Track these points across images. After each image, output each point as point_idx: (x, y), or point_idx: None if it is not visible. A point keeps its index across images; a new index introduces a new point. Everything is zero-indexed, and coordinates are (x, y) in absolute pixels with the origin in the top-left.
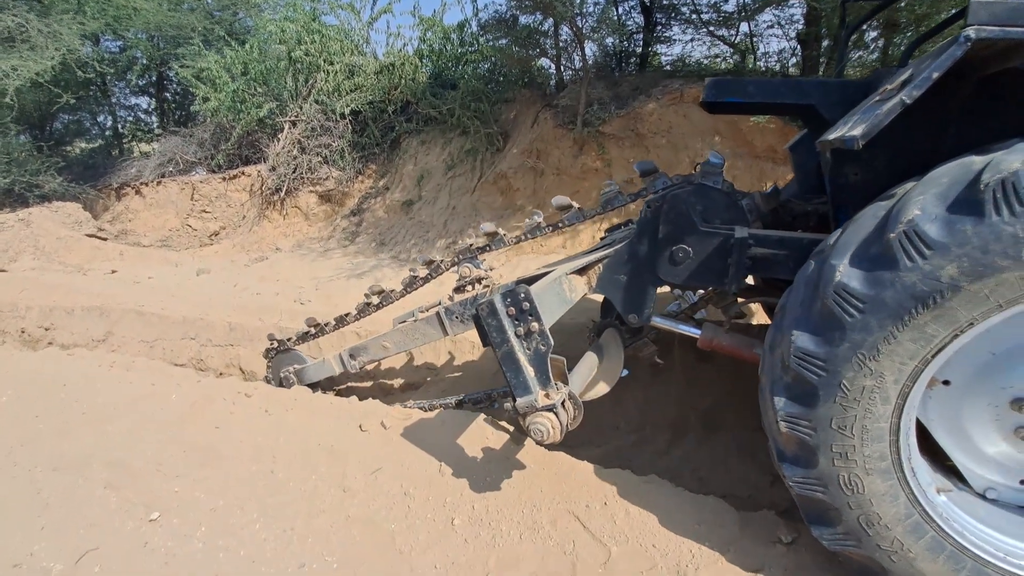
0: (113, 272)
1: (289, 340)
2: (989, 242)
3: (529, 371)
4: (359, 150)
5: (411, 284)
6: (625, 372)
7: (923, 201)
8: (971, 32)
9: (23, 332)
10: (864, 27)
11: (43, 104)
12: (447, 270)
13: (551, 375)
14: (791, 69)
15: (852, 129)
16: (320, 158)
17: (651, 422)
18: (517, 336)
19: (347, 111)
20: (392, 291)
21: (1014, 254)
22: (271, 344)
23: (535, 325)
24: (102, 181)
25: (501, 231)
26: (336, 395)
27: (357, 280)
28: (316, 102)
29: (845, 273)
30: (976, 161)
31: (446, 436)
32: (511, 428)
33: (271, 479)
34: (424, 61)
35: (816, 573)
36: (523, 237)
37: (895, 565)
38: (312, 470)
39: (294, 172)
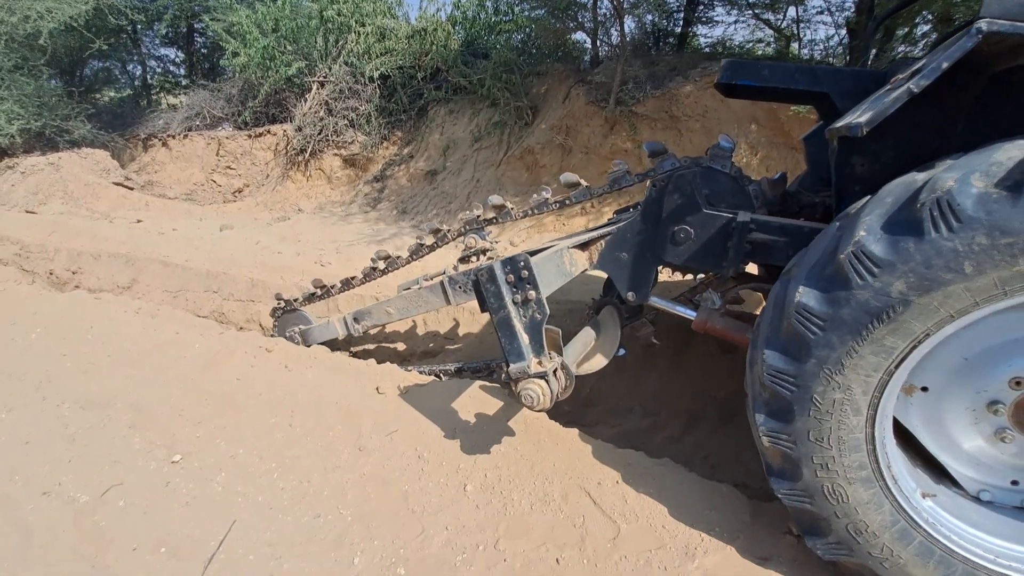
0: (139, 222)
1: (296, 300)
2: (931, 258)
3: (524, 338)
4: (386, 116)
5: (417, 251)
6: (622, 352)
7: (869, 221)
8: (983, 24)
9: (51, 274)
10: (916, 21)
11: (74, 50)
12: (453, 240)
13: (545, 344)
14: (832, 60)
15: (859, 117)
16: (346, 121)
17: (667, 408)
18: (514, 303)
19: (376, 75)
20: (398, 257)
21: (956, 267)
22: (278, 303)
23: (532, 293)
24: (130, 131)
25: (509, 204)
26: (353, 356)
27: (377, 246)
28: (345, 64)
29: (804, 293)
30: (918, 179)
31: (462, 404)
32: None
33: (289, 432)
34: (457, 28)
35: (822, 567)
36: (530, 212)
37: (888, 571)
38: (329, 427)
39: (320, 134)
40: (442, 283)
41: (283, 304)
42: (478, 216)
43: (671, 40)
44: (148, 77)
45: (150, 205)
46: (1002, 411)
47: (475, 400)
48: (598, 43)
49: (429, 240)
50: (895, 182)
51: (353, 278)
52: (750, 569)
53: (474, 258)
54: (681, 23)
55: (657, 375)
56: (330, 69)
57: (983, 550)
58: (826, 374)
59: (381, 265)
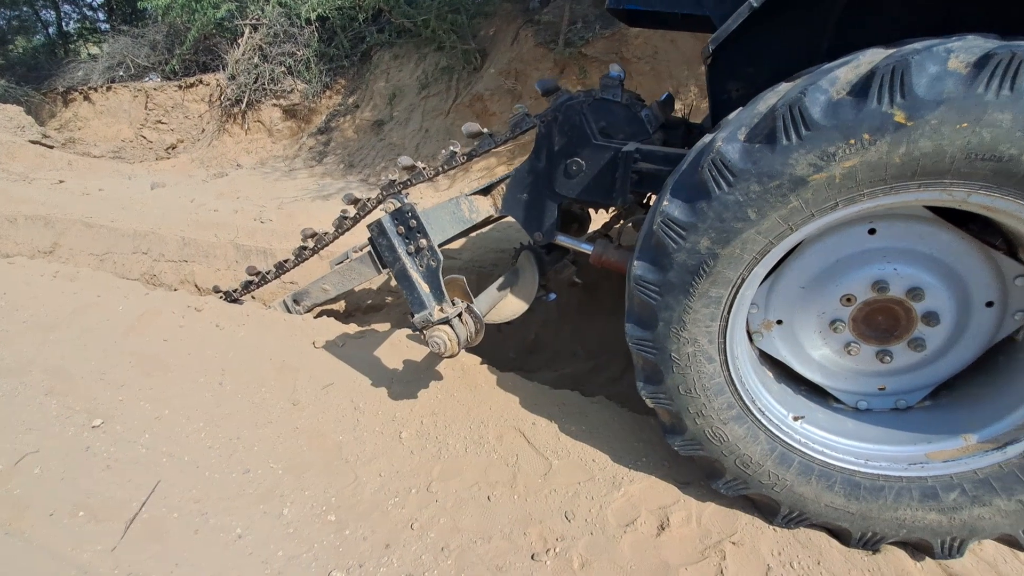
0: (61, 182)
1: (235, 291)
2: (721, 212)
3: (423, 287)
4: (327, 62)
5: (341, 225)
6: (552, 296)
7: (669, 189)
8: None
9: None
10: None
11: None
12: (374, 207)
13: (446, 291)
14: None
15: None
16: (284, 68)
17: (608, 351)
18: (408, 254)
19: (313, 16)
20: (326, 233)
21: (743, 216)
22: (219, 296)
23: (423, 242)
24: (47, 84)
25: (420, 164)
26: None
27: (323, 201)
28: (279, 4)
29: (638, 266)
30: (706, 139)
31: (399, 355)
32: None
33: (219, 391)
34: None
35: None
36: (440, 169)
37: (782, 495)
38: (261, 383)
39: (255, 82)
40: (370, 252)
41: (222, 296)
42: (394, 180)
43: None
44: (64, 24)
45: (73, 164)
46: (842, 328)
47: (412, 350)
48: None
49: (351, 211)
50: (695, 147)
51: (287, 261)
52: (671, 493)
53: None
54: None
55: (601, 319)
56: (263, 11)
57: (855, 456)
58: (674, 333)
59: (310, 244)
